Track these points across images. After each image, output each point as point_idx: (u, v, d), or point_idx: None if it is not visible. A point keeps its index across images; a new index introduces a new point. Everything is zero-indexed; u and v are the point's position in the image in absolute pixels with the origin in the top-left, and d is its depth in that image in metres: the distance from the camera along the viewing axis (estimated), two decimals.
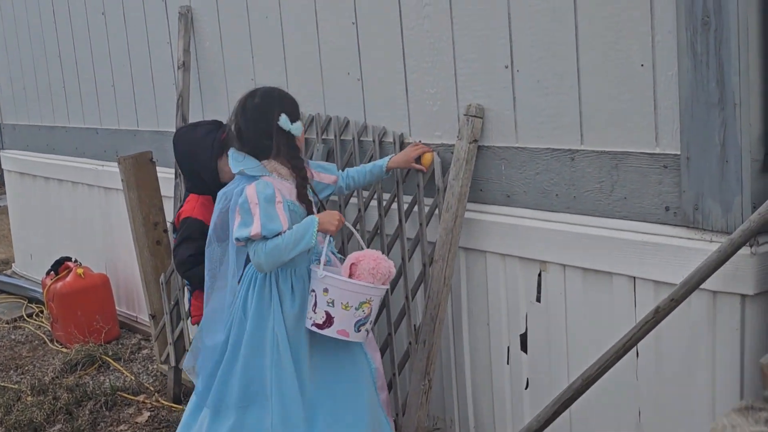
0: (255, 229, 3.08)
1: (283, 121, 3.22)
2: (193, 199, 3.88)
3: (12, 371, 5.36)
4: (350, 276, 3.09)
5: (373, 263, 3.10)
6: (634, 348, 2.84)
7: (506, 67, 3.22)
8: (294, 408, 3.15)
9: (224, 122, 3.89)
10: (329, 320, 3.09)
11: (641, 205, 2.88)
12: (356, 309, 3.08)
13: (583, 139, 3.03)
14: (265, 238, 3.09)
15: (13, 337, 6.01)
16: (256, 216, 3.10)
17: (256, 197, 3.12)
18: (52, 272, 5.82)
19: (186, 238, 3.81)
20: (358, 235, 3.35)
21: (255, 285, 3.26)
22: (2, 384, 5.09)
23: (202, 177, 3.75)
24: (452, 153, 3.45)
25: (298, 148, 3.30)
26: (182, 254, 3.80)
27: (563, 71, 3.03)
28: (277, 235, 3.09)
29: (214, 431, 3.22)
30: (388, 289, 3.35)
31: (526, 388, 3.39)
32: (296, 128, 3.23)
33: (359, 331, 3.12)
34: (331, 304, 3.08)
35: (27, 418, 4.51)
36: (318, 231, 3.12)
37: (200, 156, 3.76)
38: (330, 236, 3.23)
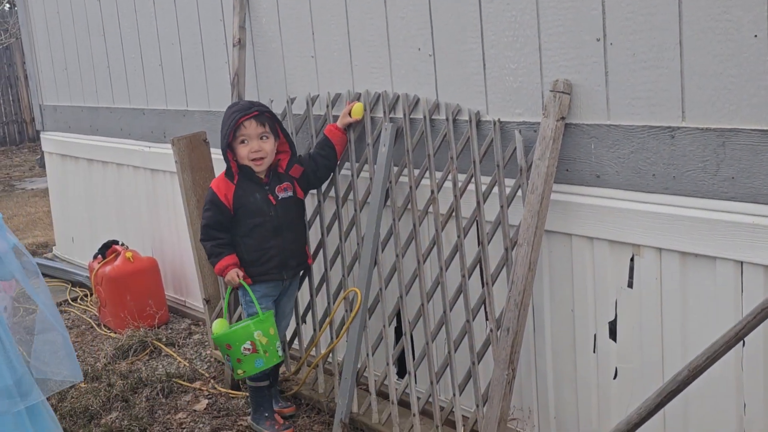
0: None
1: None
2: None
3: None
4: None
5: None
6: None
7: (598, 40, 3.05)
8: None
9: (258, 104, 3.99)
10: None
11: (752, 185, 2.71)
12: None
13: (684, 116, 2.86)
14: None
15: None
16: None
17: None
18: (100, 256, 5.72)
19: (204, 207, 3.97)
20: None
21: None
22: None
23: None
24: (535, 131, 3.29)
25: None
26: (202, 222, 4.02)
27: (663, 44, 2.86)
28: None
29: None
30: None
31: (614, 378, 3.24)
32: None
33: None
34: None
35: (82, 405, 4.41)
36: None
37: (221, 134, 3.92)
38: None
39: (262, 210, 3.91)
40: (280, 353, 3.89)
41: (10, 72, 16.14)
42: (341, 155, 4.08)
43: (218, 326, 3.90)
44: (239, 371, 3.80)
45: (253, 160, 3.86)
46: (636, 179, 3.04)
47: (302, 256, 4.07)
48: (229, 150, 3.89)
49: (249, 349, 3.77)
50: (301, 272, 4.21)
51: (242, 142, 3.85)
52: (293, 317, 4.34)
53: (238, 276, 3.86)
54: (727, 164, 2.76)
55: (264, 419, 3.97)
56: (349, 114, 4.00)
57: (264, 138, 3.87)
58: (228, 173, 3.95)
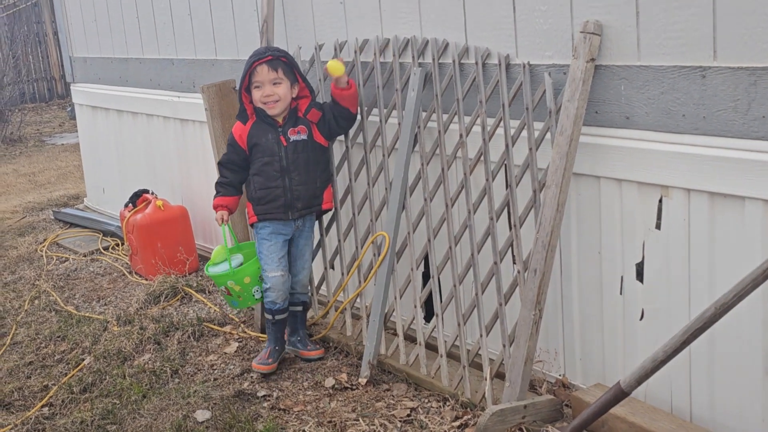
0: None
1: None
2: None
3: (95, 302, 5.36)
4: None
5: None
6: None
7: None
8: None
9: (275, 48, 4.10)
10: None
11: None
12: None
13: (716, 55, 2.84)
14: None
15: (91, 269, 6.01)
16: None
17: None
18: (131, 204, 5.79)
19: None
20: None
21: None
22: (87, 314, 5.09)
23: None
24: (565, 74, 3.29)
25: None
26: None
27: None
28: None
29: None
30: None
31: (640, 320, 3.26)
32: None
33: None
34: None
35: (116, 347, 4.50)
36: None
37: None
38: None
39: (272, 150, 4.07)
40: (257, 296, 4.17)
41: (38, 29, 16.20)
42: (357, 106, 4.11)
43: (216, 253, 4.22)
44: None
45: (265, 103, 4.03)
46: (666, 120, 3.03)
47: (313, 199, 4.15)
48: (245, 93, 4.07)
49: (225, 292, 4.17)
50: (315, 215, 4.27)
51: (256, 87, 4.02)
52: (322, 262, 4.40)
53: (222, 219, 4.17)
54: (759, 103, 2.75)
55: (264, 349, 4.20)
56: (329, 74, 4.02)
57: (277, 83, 4.00)
58: (241, 115, 4.15)
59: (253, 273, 4.12)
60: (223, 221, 4.17)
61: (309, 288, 4.37)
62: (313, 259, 4.35)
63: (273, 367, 4.10)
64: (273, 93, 4.01)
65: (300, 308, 4.28)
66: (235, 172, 4.16)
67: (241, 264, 4.18)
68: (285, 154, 4.05)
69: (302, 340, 4.24)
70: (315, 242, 4.40)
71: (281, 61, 4.02)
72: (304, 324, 4.32)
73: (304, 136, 4.08)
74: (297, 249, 4.24)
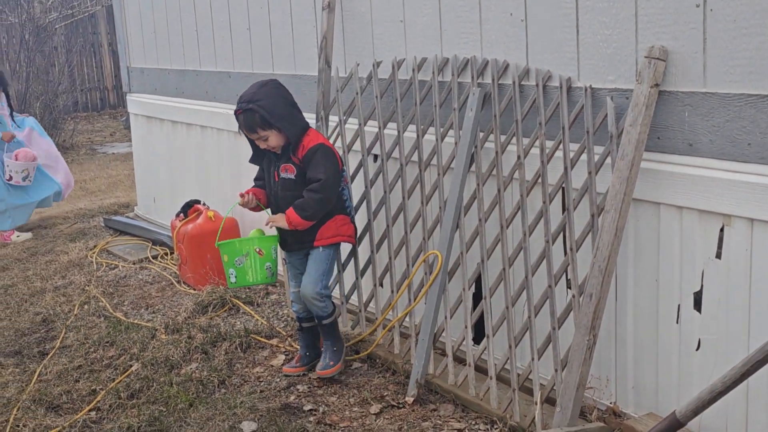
0: None
1: None
2: None
3: (143, 309, 5.41)
4: None
5: None
6: None
7: (697, 6, 3.01)
8: None
9: (247, 98, 3.94)
10: None
11: None
12: None
13: None
14: None
15: (140, 277, 6.07)
16: None
17: None
18: (182, 214, 5.84)
19: None
20: None
21: None
22: (135, 321, 5.14)
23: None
24: (627, 98, 3.27)
25: None
26: None
27: (766, 9, 2.81)
28: None
29: None
30: None
31: (697, 350, 3.21)
32: None
33: None
34: None
35: (163, 355, 4.53)
36: None
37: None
38: None
39: (270, 182, 4.15)
40: (232, 280, 4.20)
41: (94, 39, 16.49)
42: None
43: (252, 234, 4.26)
44: None
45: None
46: (730, 148, 3.00)
47: (304, 236, 4.07)
48: None
49: (236, 263, 4.22)
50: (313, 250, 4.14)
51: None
52: (372, 279, 4.40)
53: (246, 199, 4.18)
54: None
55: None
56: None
57: (263, 139, 4.00)
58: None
59: (233, 254, 4.17)
60: (245, 200, 4.16)
61: (315, 303, 4.06)
62: (327, 276, 4.17)
63: (299, 371, 4.22)
64: (265, 145, 4.02)
65: (313, 323, 4.24)
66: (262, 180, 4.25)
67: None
68: (277, 189, 4.09)
69: (323, 357, 4.20)
70: (363, 259, 4.42)
71: (253, 114, 3.90)
72: (318, 339, 4.27)
73: (291, 176, 4.04)
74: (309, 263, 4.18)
